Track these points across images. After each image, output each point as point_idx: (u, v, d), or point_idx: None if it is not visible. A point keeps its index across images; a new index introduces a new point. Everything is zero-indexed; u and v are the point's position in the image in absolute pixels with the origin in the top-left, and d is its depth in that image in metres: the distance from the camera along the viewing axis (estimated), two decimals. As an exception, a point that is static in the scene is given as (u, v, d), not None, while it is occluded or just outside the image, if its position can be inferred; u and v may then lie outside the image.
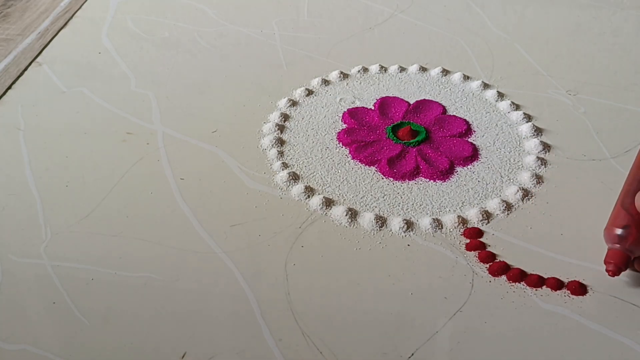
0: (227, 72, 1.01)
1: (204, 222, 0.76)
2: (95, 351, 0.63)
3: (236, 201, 0.79)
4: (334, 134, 0.89)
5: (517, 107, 0.94)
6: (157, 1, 1.20)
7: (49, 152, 0.86)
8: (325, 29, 1.12)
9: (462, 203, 0.79)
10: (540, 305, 0.67)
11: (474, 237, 0.74)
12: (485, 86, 0.98)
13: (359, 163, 0.84)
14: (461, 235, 0.75)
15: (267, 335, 0.64)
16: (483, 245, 0.73)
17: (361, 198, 0.79)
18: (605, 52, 1.06)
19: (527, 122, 0.91)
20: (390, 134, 0.88)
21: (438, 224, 0.76)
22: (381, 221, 0.76)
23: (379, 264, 0.71)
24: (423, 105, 0.94)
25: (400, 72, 1.01)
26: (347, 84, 0.99)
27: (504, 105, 0.94)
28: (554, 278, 0.69)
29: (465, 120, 0.91)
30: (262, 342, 0.63)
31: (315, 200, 0.78)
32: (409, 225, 0.75)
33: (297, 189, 0.80)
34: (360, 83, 0.99)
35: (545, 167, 0.84)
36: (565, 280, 0.69)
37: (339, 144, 0.87)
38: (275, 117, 0.91)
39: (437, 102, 0.95)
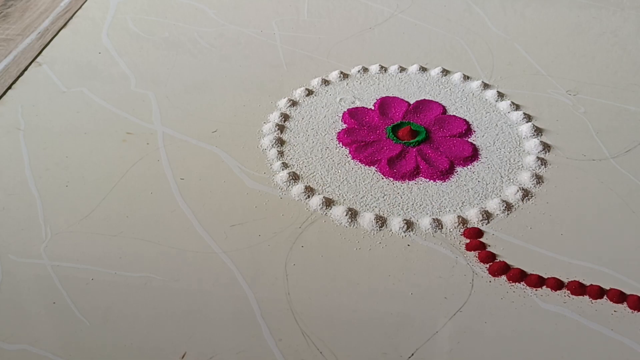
0: (227, 72, 1.01)
1: (204, 222, 0.76)
2: (95, 351, 0.63)
3: (236, 201, 0.79)
4: (334, 134, 0.89)
5: (517, 107, 0.94)
6: (157, 1, 1.20)
7: (49, 152, 0.86)
8: (325, 29, 1.12)
9: (462, 203, 0.79)
10: (540, 305, 0.67)
11: (474, 237, 0.74)
12: (485, 86, 0.98)
13: (359, 163, 0.84)
14: (461, 235, 0.75)
15: (267, 335, 0.64)
16: (483, 245, 0.73)
17: (361, 198, 0.79)
18: (605, 52, 1.06)
19: (527, 122, 0.91)
20: (390, 134, 0.88)
21: (438, 224, 0.76)
22: (381, 221, 0.76)
23: (379, 264, 0.71)
24: (423, 105, 0.94)
25: (400, 72, 1.01)
26: (347, 84, 0.99)
27: (504, 105, 0.94)
28: (554, 278, 0.69)
29: (465, 120, 0.91)
30: (262, 342, 0.63)
31: (315, 200, 0.78)
32: (409, 225, 0.75)
33: (297, 189, 0.80)
34: (360, 83, 0.99)
35: (545, 167, 0.84)
36: (565, 280, 0.69)
37: (339, 144, 0.87)
38: (275, 117, 0.91)
39: (437, 102, 0.95)
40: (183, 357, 0.62)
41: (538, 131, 0.89)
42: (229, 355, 0.62)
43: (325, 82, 0.99)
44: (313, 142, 0.88)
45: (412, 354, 0.62)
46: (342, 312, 0.66)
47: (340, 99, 0.96)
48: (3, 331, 0.64)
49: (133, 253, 0.72)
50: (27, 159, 0.85)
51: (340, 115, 0.92)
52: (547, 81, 0.99)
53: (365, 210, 0.78)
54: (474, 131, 0.90)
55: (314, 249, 0.73)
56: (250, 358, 0.62)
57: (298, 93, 0.96)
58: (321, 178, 0.82)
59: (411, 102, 0.94)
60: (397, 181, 0.82)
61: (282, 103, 0.94)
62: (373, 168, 0.84)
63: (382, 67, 1.01)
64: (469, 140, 0.88)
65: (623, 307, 0.67)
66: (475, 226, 0.76)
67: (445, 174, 0.83)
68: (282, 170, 0.83)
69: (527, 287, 0.69)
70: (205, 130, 0.89)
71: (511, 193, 0.79)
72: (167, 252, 0.72)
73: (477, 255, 0.72)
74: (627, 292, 0.68)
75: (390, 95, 0.96)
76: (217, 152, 0.86)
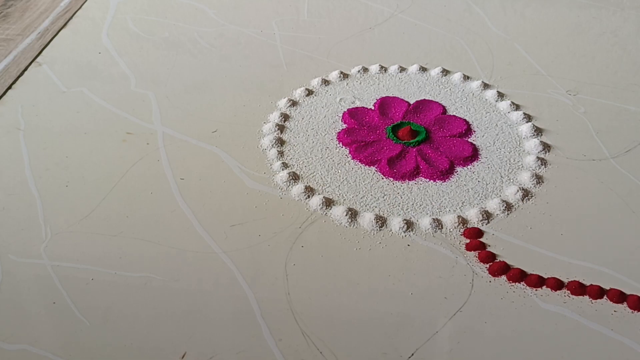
0: (227, 72, 1.01)
1: (204, 222, 0.76)
2: (95, 351, 0.63)
3: (236, 201, 0.79)
4: (334, 134, 0.89)
5: (517, 107, 0.94)
6: (157, 1, 1.20)
7: (49, 152, 0.86)
8: (325, 29, 1.12)
9: (462, 203, 0.79)
10: (540, 305, 0.67)
11: (474, 237, 0.74)
12: (485, 86, 0.98)
13: (359, 163, 0.84)
14: (461, 235, 0.75)
15: (267, 335, 0.64)
16: (483, 245, 0.73)
17: (361, 198, 0.79)
18: (605, 52, 1.06)
19: (527, 122, 0.91)
20: (390, 134, 0.88)
21: (438, 224, 0.76)
22: (381, 221, 0.76)
23: (379, 264, 0.71)
24: (423, 105, 0.94)
25: (400, 72, 1.01)
26: (347, 84, 0.99)
27: (504, 105, 0.94)
28: (554, 278, 0.69)
29: (465, 120, 0.91)
30: (262, 342, 0.63)
31: (315, 200, 0.78)
32: (409, 225, 0.75)
33: (297, 189, 0.80)
34: (360, 83, 0.99)
35: (545, 167, 0.84)
36: (565, 280, 0.69)
37: (339, 144, 0.87)
38: (275, 117, 0.91)
39: (437, 102, 0.95)
40: (183, 357, 0.62)
41: (538, 131, 0.89)
42: (229, 355, 0.62)
43: (325, 82, 0.99)
44: (313, 142, 0.88)
45: (412, 354, 0.62)
46: (342, 312, 0.66)
47: (340, 99, 0.96)
48: (3, 331, 0.64)
49: (133, 253, 0.72)
50: (27, 159, 0.85)
51: (340, 115, 0.92)
52: (547, 81, 0.99)
53: (365, 210, 0.78)
54: (474, 131, 0.90)
55: (314, 249, 0.73)
56: (250, 358, 0.62)
57: (298, 93, 0.96)
58: (321, 178, 0.82)
59: (411, 102, 0.94)
60: (397, 181, 0.82)
61: (282, 103, 0.94)
62: (373, 168, 0.84)
63: (382, 67, 1.01)
64: (469, 140, 0.88)
65: (623, 307, 0.67)
66: (475, 226, 0.76)
67: (445, 174, 0.83)
68: (282, 170, 0.83)
69: (527, 287, 0.69)
70: (205, 130, 0.90)
71: (511, 193, 0.79)
72: (167, 252, 0.72)
73: (477, 255, 0.72)
74: (627, 292, 0.68)
75: (390, 95, 0.96)
76: (217, 152, 0.86)
